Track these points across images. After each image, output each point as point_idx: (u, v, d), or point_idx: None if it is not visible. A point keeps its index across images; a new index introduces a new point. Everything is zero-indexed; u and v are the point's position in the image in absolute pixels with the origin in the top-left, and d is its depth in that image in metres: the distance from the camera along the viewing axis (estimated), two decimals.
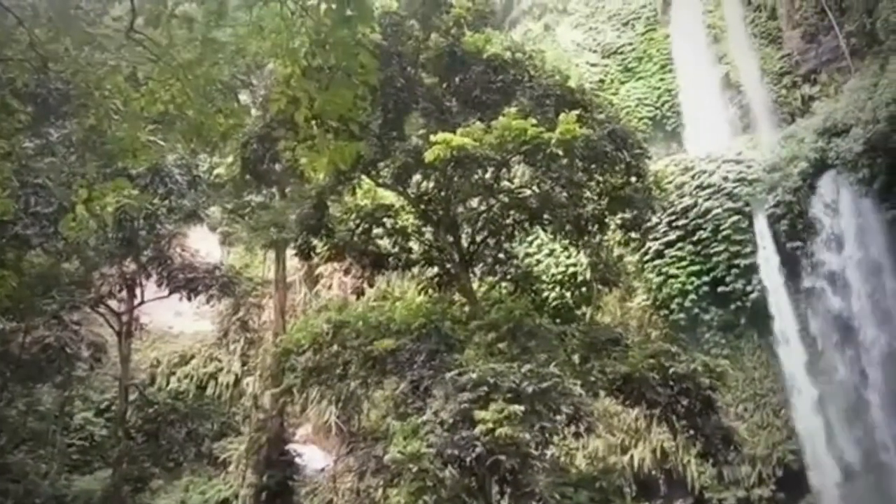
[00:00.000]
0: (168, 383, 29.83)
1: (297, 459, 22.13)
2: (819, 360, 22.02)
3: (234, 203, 24.58)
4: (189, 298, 21.25)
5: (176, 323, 31.41)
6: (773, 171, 24.27)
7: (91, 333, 21.95)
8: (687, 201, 24.50)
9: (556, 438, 13.37)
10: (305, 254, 16.33)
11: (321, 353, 14.57)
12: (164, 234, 20.16)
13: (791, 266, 22.98)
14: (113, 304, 21.30)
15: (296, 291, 30.47)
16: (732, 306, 23.09)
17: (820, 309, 22.50)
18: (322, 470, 24.58)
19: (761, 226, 23.55)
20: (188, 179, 19.86)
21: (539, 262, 25.38)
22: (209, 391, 29.41)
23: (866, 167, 21.69)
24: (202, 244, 25.23)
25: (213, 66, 7.65)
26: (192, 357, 30.94)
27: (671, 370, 13.80)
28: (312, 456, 24.71)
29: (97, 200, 9.30)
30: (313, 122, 7.42)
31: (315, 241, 16.07)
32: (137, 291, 21.18)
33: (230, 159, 17.56)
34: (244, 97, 21.36)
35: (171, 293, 21.14)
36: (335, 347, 14.49)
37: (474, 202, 16.53)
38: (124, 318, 21.08)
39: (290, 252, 21.48)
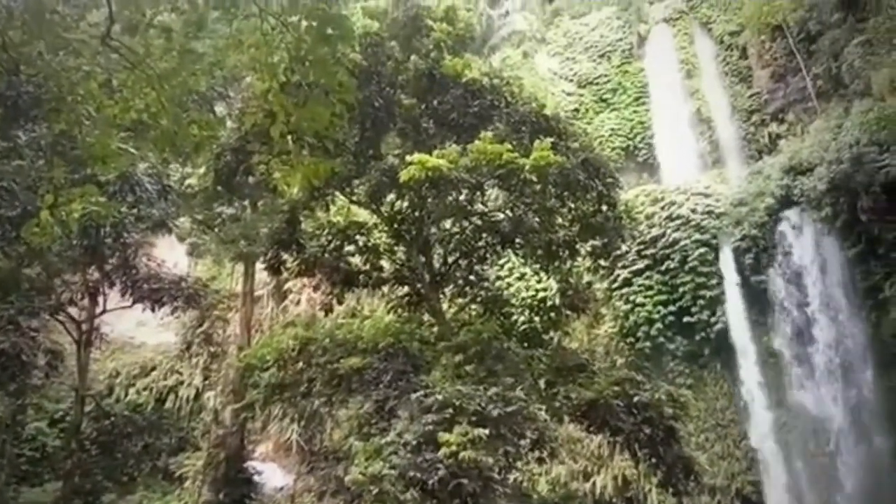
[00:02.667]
0: (126, 395, 29.10)
1: (256, 477, 21.65)
2: (779, 393, 22.38)
3: (205, 214, 24.27)
4: (153, 309, 20.85)
5: (138, 333, 30.72)
6: (739, 205, 24.84)
7: (49, 341, 21.32)
8: (656, 231, 24.92)
9: (519, 463, 13.37)
10: (275, 268, 16.19)
11: (286, 369, 14.39)
12: (130, 243, 19.79)
13: (754, 299, 23.44)
14: (73, 311, 20.79)
15: (263, 306, 30.08)
16: (697, 337, 23.46)
17: (781, 343, 22.93)
18: (281, 489, 24.09)
19: (727, 258, 24.04)
20: (158, 189, 19.57)
21: (510, 285, 25.50)
22: (168, 404, 28.74)
23: (829, 206, 22.30)
24: (169, 254, 24.82)
25: (190, 77, 7.60)
26: (153, 369, 30.25)
27: (635, 398, 13.95)
28: (272, 474, 24.21)
29: (63, 206, 9.11)
30: (289, 138, 7.42)
31: (285, 256, 15.95)
32: (100, 300, 20.72)
33: (203, 170, 17.38)
34: (220, 109, 21.23)
35: (134, 303, 20.72)
36: (300, 364, 14.33)
37: (447, 223, 16.60)
38: (84, 327, 20.57)
39: (259, 266, 21.24)
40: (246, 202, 21.97)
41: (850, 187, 21.45)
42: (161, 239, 23.81)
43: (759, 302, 23.43)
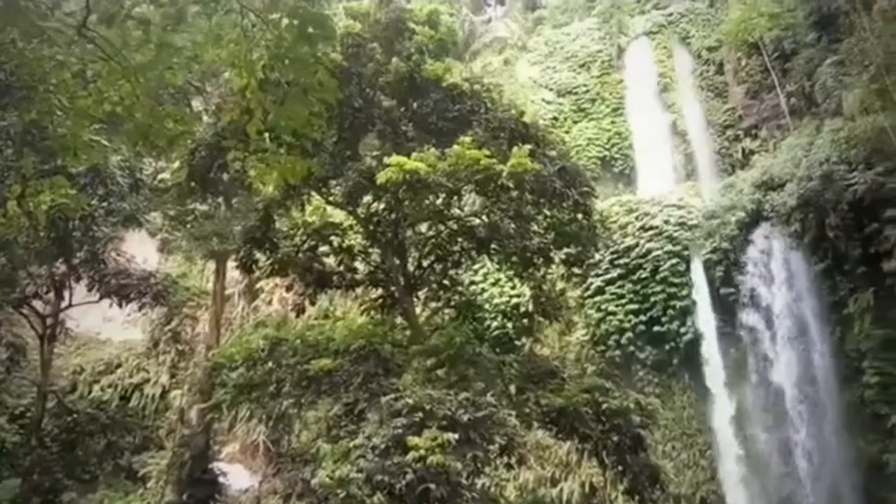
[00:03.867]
0: (90, 391, 28.54)
1: (221, 478, 21.33)
2: (745, 404, 22.73)
3: (177, 210, 23.90)
4: (120, 305, 20.47)
5: (104, 329, 30.16)
6: (711, 218, 25.21)
7: (11, 334, 20.85)
8: (629, 241, 25.19)
9: (487, 468, 13.36)
10: (247, 267, 15.99)
11: (255, 369, 14.22)
12: (99, 237, 19.42)
13: (723, 311, 23.79)
14: (38, 305, 20.32)
15: (234, 305, 29.75)
16: (666, 346, 23.73)
17: (748, 355, 23.30)
18: (246, 491, 23.79)
19: (697, 270, 24.37)
20: (130, 182, 19.26)
21: (483, 290, 25.57)
22: (133, 402, 28.25)
23: (798, 221, 22.75)
24: (139, 250, 24.38)
25: (167, 71, 7.48)
26: (119, 366, 29.73)
27: (604, 406, 14.06)
28: (237, 476, 23.89)
29: (31, 197, 8.93)
30: (266, 135, 7.35)
31: (258, 255, 15.78)
32: (66, 294, 20.26)
33: (176, 165, 17.09)
34: (197, 104, 20.98)
35: (101, 298, 20.31)
36: (270, 365, 14.17)
37: (423, 227, 16.57)
38: (49, 321, 20.12)
39: (231, 264, 21.01)
40: (220, 199, 21.63)
41: (819, 204, 21.91)
42: (131, 234, 23.41)
43: (727, 314, 23.79)
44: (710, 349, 23.39)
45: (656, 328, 23.88)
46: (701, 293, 24.02)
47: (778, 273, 23.39)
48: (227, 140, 13.73)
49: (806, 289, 22.77)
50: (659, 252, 24.64)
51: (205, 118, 16.44)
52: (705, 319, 23.69)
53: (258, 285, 29.37)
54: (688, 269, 24.44)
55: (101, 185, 18.10)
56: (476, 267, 23.71)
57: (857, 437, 20.47)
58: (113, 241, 20.87)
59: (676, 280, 24.18)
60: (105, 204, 18.58)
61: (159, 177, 23.02)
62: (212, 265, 24.88)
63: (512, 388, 14.73)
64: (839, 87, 24.12)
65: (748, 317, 23.58)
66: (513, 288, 25.05)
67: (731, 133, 30.71)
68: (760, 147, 29.01)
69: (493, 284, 25.82)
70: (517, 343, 23.49)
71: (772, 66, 29.12)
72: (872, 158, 21.29)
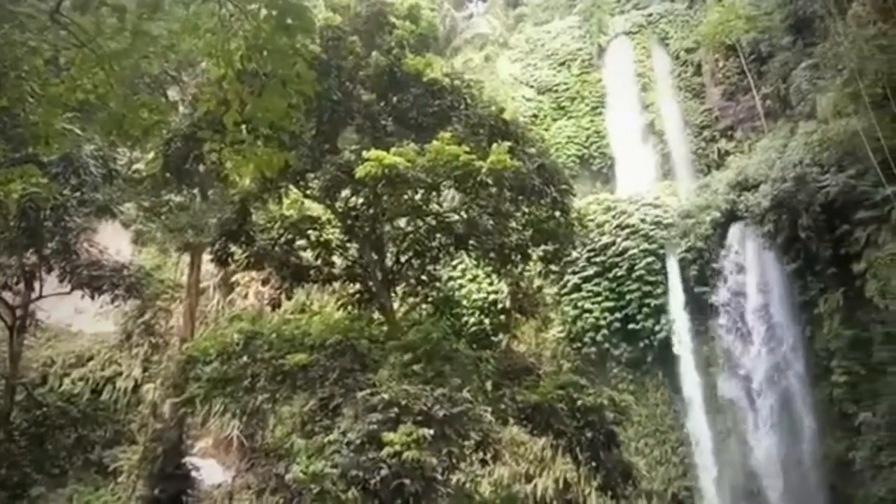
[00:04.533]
0: (60, 385, 28.06)
1: (194, 473, 21.11)
2: (717, 401, 23.07)
3: (152, 201, 23.54)
4: (92, 297, 20.10)
5: (76, 321, 29.66)
6: (687, 217, 25.50)
7: None
8: (606, 239, 25.40)
9: (462, 464, 13.40)
10: (223, 260, 15.83)
11: (229, 363, 14.09)
12: (71, 227, 19.05)
13: (697, 309, 24.09)
14: (7, 296, 19.88)
15: (209, 298, 29.44)
16: (641, 344, 24.00)
17: (721, 353, 23.64)
18: (219, 486, 23.62)
19: (672, 269, 24.65)
20: (103, 172, 18.92)
21: (461, 286, 25.59)
22: (105, 396, 27.86)
23: (771, 222, 23.09)
24: (113, 241, 24.02)
25: (143, 59, 7.35)
26: (90, 358, 29.27)
27: (579, 402, 14.18)
28: (210, 471, 23.69)
29: (2, 186, 8.75)
30: (243, 127, 7.26)
31: (234, 248, 15.63)
32: (36, 285, 19.85)
33: (151, 155, 16.83)
34: (173, 93, 20.68)
35: (72, 290, 19.94)
36: (245, 359, 14.05)
37: (402, 222, 16.54)
38: (18, 312, 19.71)
39: (206, 257, 20.76)
40: (195, 191, 21.41)
41: (792, 205, 22.26)
42: (104, 224, 23.07)
43: (701, 312, 24.11)
44: (684, 347, 23.71)
45: (631, 326, 24.15)
46: (675, 291, 24.33)
47: (750, 272, 23.73)
48: (203, 131, 13.55)
49: (778, 288, 23.13)
50: (635, 250, 24.88)
51: (181, 108, 16.24)
52: (679, 317, 24.01)
53: (234, 279, 29.12)
54: (663, 267, 24.73)
55: (73, 174, 17.75)
56: (454, 263, 23.73)
57: (825, 435, 20.88)
58: (85, 232, 20.50)
59: (652, 278, 24.46)
60: (77, 194, 18.23)
61: (134, 167, 22.61)
62: (186, 258, 24.57)
63: (488, 385, 14.77)
64: (813, 90, 24.49)
65: (721, 315, 23.92)
66: (490, 284, 25.14)
67: (708, 133, 31.04)
68: (736, 148, 29.36)
69: (471, 280, 25.87)
70: (494, 339, 23.57)
71: (748, 68, 29.48)
72: (844, 161, 21.68)
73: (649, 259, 24.70)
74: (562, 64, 36.21)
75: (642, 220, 25.60)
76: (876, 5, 21.88)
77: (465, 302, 24.98)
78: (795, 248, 22.53)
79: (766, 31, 29.03)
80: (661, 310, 24.09)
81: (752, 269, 23.74)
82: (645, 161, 31.67)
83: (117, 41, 7.05)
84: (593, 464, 14.61)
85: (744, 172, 25.25)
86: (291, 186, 15.64)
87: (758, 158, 25.47)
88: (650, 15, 36.17)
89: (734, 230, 24.51)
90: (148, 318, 28.14)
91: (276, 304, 18.09)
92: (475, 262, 18.98)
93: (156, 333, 28.40)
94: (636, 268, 24.62)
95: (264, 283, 20.81)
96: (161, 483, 20.37)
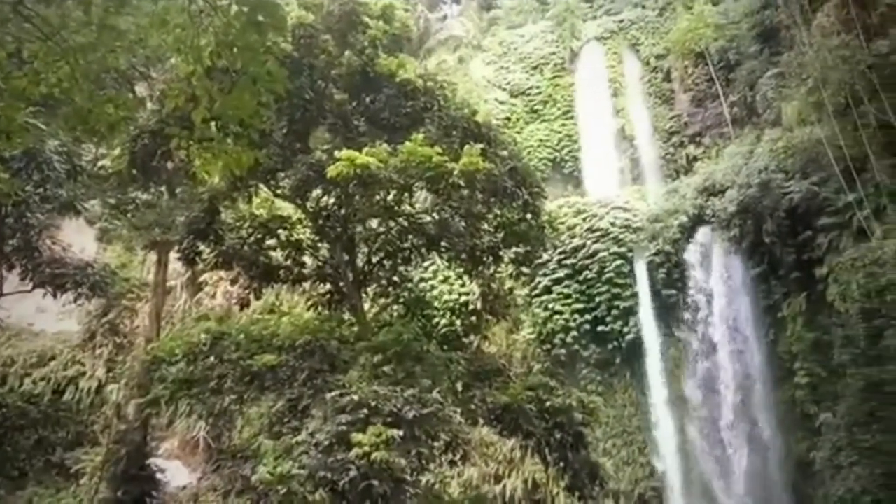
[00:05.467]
0: (21, 385, 27.25)
1: (158, 475, 20.74)
2: (683, 403, 23.41)
3: (118, 198, 23.07)
4: (55, 295, 19.69)
5: (38, 320, 28.92)
6: (655, 221, 25.87)
7: None
8: (577, 242, 25.65)
9: (432, 465, 13.40)
10: (190, 259, 15.59)
11: (195, 364, 13.87)
12: (33, 224, 18.64)
13: (665, 312, 24.44)
14: None
15: (176, 298, 28.96)
16: (610, 345, 24.27)
17: (687, 354, 24.00)
18: (184, 488, 23.22)
19: (641, 271, 24.98)
20: (68, 168, 18.54)
21: (433, 287, 25.59)
22: (67, 396, 27.14)
23: (737, 227, 23.54)
24: (77, 238, 23.55)
25: (109, 54, 7.23)
26: (52, 358, 28.51)
27: (548, 403, 14.28)
28: (175, 472, 23.28)
29: None
30: (212, 124, 7.17)
31: (202, 247, 15.41)
32: None
33: (118, 152, 16.53)
34: (141, 89, 20.33)
35: (35, 288, 19.51)
36: (212, 359, 13.85)
37: (374, 223, 16.47)
38: None
39: (173, 255, 20.42)
40: (163, 188, 21.05)
41: (758, 210, 22.71)
42: (68, 222, 22.57)
43: (668, 315, 24.46)
44: (651, 348, 24.04)
45: (600, 328, 24.41)
46: (643, 294, 24.64)
47: (716, 276, 24.16)
48: (171, 127, 13.33)
49: (743, 292, 23.58)
50: (605, 253, 25.17)
51: (149, 104, 16.00)
52: (647, 320, 24.32)
53: (202, 278, 28.68)
54: (632, 270, 25.05)
55: (36, 170, 17.37)
56: (426, 264, 23.70)
57: (787, 436, 21.32)
58: (48, 229, 20.07)
59: (621, 281, 24.77)
60: (41, 190, 17.85)
61: (99, 163, 22.19)
62: (153, 256, 24.08)
63: (458, 386, 14.79)
64: (779, 98, 25.01)
65: (688, 318, 24.29)
66: (462, 286, 25.18)
67: (677, 139, 31.54)
68: (704, 154, 29.88)
69: (443, 282, 25.88)
70: (465, 340, 23.53)
71: (716, 75, 30.02)
72: (808, 168, 22.19)
73: (619, 262, 25.01)
74: (535, 68, 36.47)
75: (612, 224, 25.91)
76: (840, 17, 22.42)
77: (436, 303, 24.99)
78: (760, 252, 23.00)
79: (734, 40, 29.61)
80: (629, 312, 24.41)
81: (718, 273, 24.16)
82: (615, 165, 32.05)
83: (83, 35, 6.93)
84: (561, 464, 14.68)
85: (711, 178, 25.70)
86: (262, 185, 15.49)
87: (725, 164, 25.96)
88: (622, 21, 36.62)
89: (701, 234, 24.94)
90: (112, 318, 27.55)
91: (244, 304, 17.92)
92: (447, 264, 19.01)
93: (120, 333, 27.83)
94: (606, 270, 24.91)
95: (233, 282, 20.52)
96: (124, 485, 19.97)
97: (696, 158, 30.12)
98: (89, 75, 7.26)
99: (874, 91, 19.89)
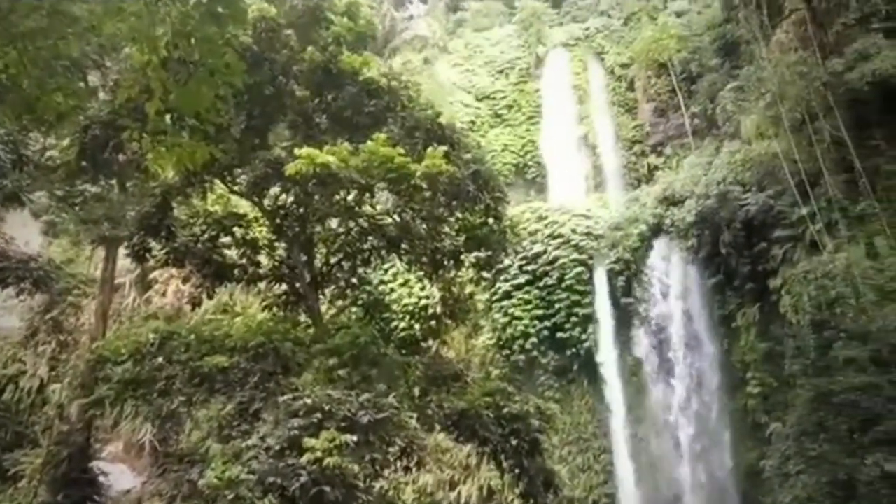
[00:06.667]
0: None
1: (101, 478, 20.02)
2: (638, 410, 23.64)
3: (66, 190, 22.15)
4: None
5: None
6: (616, 229, 26.12)
7: None
8: (538, 248, 25.71)
9: (386, 471, 13.19)
10: (140, 255, 15.09)
11: (142, 364, 13.38)
12: None
13: (623, 320, 24.66)
14: None
15: (124, 295, 27.99)
16: (568, 352, 24.36)
17: (643, 363, 24.26)
18: (128, 492, 22.48)
19: (601, 279, 25.15)
20: (13, 158, 17.77)
21: (392, 290, 25.36)
22: (7, 396, 26.01)
23: (695, 237, 23.93)
24: (21, 231, 22.60)
25: (61, 40, 6.85)
26: None
27: (505, 410, 14.20)
28: (119, 476, 22.50)
29: None
30: (166, 116, 6.87)
31: (153, 243, 14.92)
32: None
33: (66, 142, 15.89)
34: (94, 78, 19.55)
35: None
36: (160, 360, 13.38)
37: (333, 223, 16.19)
38: None
39: (122, 251, 19.71)
40: (113, 181, 20.32)
41: (715, 221, 23.12)
42: (12, 213, 21.66)
43: (626, 323, 24.69)
44: (609, 356, 24.20)
45: (559, 334, 24.49)
46: (602, 302, 24.81)
47: (674, 284, 24.51)
48: (123, 119, 12.86)
49: (699, 301, 23.96)
50: (565, 260, 25.28)
51: (101, 94, 15.38)
52: (605, 327, 24.49)
53: (152, 275, 27.79)
54: (591, 277, 25.21)
55: None
56: (386, 266, 23.47)
57: (739, 444, 21.69)
58: None
59: (580, 288, 24.90)
60: None
61: (47, 154, 21.28)
62: (101, 251, 23.23)
63: (415, 390, 14.61)
64: (738, 111, 25.52)
65: (645, 326, 24.55)
66: (422, 289, 24.99)
67: (639, 148, 31.96)
68: (665, 163, 30.33)
69: (403, 285, 25.66)
70: (423, 345, 23.34)
71: (679, 86, 30.50)
72: (765, 181, 22.68)
73: (579, 269, 25.14)
74: (500, 72, 36.55)
75: (573, 231, 26.04)
76: (797, 33, 22.98)
77: (395, 306, 24.76)
78: (716, 262, 23.40)
79: (696, 52, 30.15)
80: (588, 319, 24.55)
81: (675, 282, 24.50)
82: (578, 172, 32.28)
83: (33, 19, 6.56)
84: (517, 471, 14.62)
85: (671, 187, 26.08)
86: (217, 181, 15.08)
87: (684, 174, 26.37)
88: (587, 28, 36.99)
89: (660, 243, 25.28)
90: (56, 314, 26.51)
91: (196, 304, 17.38)
92: (407, 267, 18.75)
93: (64, 331, 26.79)
94: (566, 277, 25.01)
95: (185, 281, 19.91)
96: (65, 489, 19.23)
97: (657, 168, 30.56)
98: (38, 62, 6.88)
99: (829, 108, 20.41)
